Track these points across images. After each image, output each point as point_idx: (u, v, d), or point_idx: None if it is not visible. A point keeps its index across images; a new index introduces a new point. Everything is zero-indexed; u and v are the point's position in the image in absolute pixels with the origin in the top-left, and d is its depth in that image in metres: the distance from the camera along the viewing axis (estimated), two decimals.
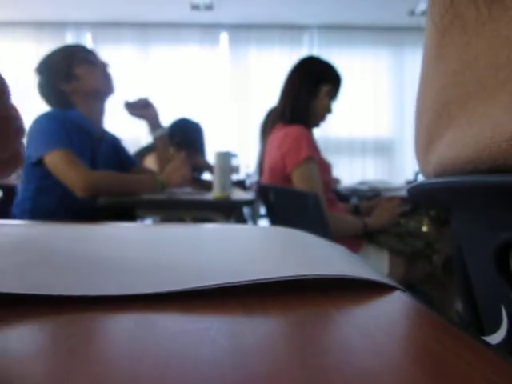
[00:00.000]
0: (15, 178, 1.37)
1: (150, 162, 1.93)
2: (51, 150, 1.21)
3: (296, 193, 1.38)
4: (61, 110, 1.35)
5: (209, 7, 4.13)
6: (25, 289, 0.19)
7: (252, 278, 0.21)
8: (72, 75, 1.34)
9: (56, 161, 1.21)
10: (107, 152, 1.39)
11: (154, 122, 1.49)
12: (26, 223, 0.45)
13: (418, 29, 4.14)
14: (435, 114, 0.32)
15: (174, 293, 0.20)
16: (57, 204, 1.28)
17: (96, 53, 1.42)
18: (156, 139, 1.50)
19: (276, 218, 1.60)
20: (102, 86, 1.36)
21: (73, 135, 1.28)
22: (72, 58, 1.35)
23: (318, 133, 1.58)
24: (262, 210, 2.63)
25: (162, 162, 1.51)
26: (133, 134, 3.66)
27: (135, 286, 0.20)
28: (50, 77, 1.35)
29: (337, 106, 1.58)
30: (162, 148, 1.50)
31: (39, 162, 1.23)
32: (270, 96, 2.14)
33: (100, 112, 1.40)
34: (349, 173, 4.43)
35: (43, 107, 1.40)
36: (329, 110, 1.53)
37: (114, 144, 1.47)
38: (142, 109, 1.48)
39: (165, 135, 1.50)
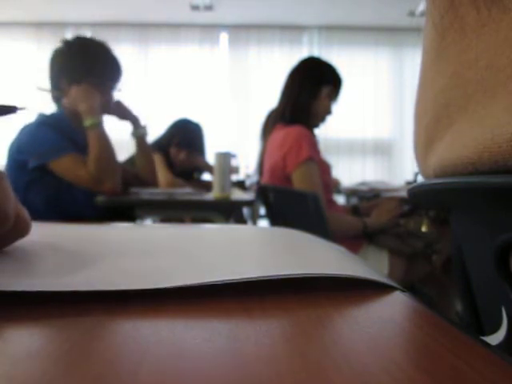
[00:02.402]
0: None
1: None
2: (57, 157, 1.25)
3: (296, 193, 1.38)
4: (50, 115, 1.35)
5: (209, 7, 4.13)
6: (28, 286, 0.19)
7: (251, 276, 0.21)
8: (75, 81, 1.33)
9: (65, 165, 1.25)
10: None
11: (136, 123, 1.50)
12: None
13: (417, 30, 4.13)
14: (435, 115, 0.32)
15: (173, 293, 0.20)
16: (45, 205, 1.29)
17: (120, 78, 1.42)
18: (137, 139, 1.51)
19: (276, 219, 1.60)
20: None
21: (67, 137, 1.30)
22: (92, 70, 1.34)
23: (317, 133, 1.58)
24: (262, 211, 2.63)
25: (143, 160, 1.53)
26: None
27: (133, 283, 0.20)
28: (62, 64, 1.35)
29: (336, 106, 1.58)
30: (142, 147, 1.52)
31: (36, 168, 1.25)
32: (270, 96, 2.14)
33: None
34: (348, 173, 4.43)
35: (43, 107, 1.41)
36: (329, 112, 1.53)
37: None
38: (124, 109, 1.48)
39: (144, 135, 1.52)
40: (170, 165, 2.12)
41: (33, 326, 0.16)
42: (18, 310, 0.18)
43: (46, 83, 1.39)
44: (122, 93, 1.46)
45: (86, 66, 1.33)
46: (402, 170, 4.52)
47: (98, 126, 1.29)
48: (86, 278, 0.21)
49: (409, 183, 2.84)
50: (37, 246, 0.30)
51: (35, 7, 4.15)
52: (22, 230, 0.26)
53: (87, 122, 1.29)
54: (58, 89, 1.36)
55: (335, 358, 0.14)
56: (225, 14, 4.30)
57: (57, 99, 1.39)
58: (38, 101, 1.45)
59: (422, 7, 3.96)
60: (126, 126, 1.52)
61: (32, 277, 0.21)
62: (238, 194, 1.54)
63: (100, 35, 1.57)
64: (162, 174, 1.97)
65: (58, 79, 1.35)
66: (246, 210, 2.71)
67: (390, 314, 0.19)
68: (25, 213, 0.27)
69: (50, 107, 1.41)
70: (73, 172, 1.26)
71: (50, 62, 1.37)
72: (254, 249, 0.31)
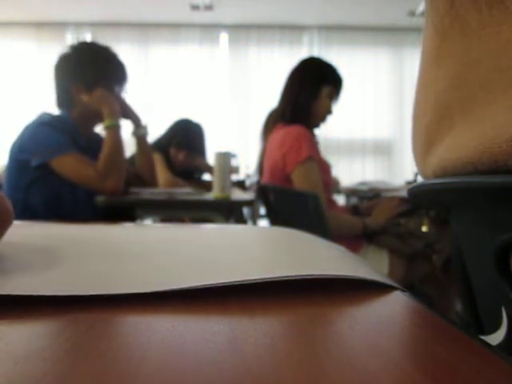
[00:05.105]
0: None
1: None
2: (59, 155, 1.25)
3: (296, 193, 1.38)
4: (53, 116, 1.36)
5: (209, 7, 4.13)
6: (33, 290, 0.19)
7: (251, 278, 0.21)
8: (87, 86, 1.33)
9: (68, 164, 1.26)
10: (94, 159, 1.36)
11: (137, 122, 1.50)
12: (26, 223, 0.45)
13: (417, 29, 4.14)
14: (435, 116, 0.32)
15: (173, 293, 0.20)
16: (46, 204, 1.29)
17: (126, 81, 1.43)
18: (138, 138, 1.52)
19: (276, 219, 1.60)
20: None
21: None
22: (101, 73, 1.35)
23: (317, 133, 1.58)
24: (262, 210, 2.63)
25: (143, 159, 1.54)
26: None
27: (134, 286, 0.20)
28: (72, 70, 1.35)
29: (337, 106, 1.58)
30: (142, 146, 1.53)
31: (37, 167, 1.26)
32: (270, 96, 2.14)
33: (92, 124, 1.42)
34: (348, 173, 4.43)
35: (42, 107, 1.40)
36: (329, 112, 1.53)
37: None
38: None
39: (145, 135, 1.53)
40: (170, 165, 2.13)
41: (33, 325, 0.16)
42: (18, 310, 0.18)
43: (49, 87, 1.39)
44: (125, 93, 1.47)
45: (97, 71, 1.35)
46: (402, 170, 4.52)
47: (116, 127, 1.33)
48: (86, 280, 0.21)
49: (409, 183, 2.84)
50: (36, 246, 0.30)
51: (35, 7, 4.15)
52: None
53: (107, 123, 1.32)
54: (68, 93, 1.36)
55: (335, 357, 0.14)
56: (225, 14, 4.30)
57: (62, 104, 1.39)
58: (37, 101, 1.45)
59: (422, 7, 3.96)
60: (127, 125, 1.52)
61: (23, 279, 0.21)
62: (238, 194, 1.54)
63: (100, 35, 1.58)
64: (161, 173, 1.97)
65: (69, 84, 1.35)
66: (246, 210, 2.70)
67: (390, 313, 0.19)
68: (6, 202, 0.26)
69: (50, 108, 1.41)
70: (75, 170, 1.26)
71: (56, 68, 1.37)
72: (254, 249, 0.31)
